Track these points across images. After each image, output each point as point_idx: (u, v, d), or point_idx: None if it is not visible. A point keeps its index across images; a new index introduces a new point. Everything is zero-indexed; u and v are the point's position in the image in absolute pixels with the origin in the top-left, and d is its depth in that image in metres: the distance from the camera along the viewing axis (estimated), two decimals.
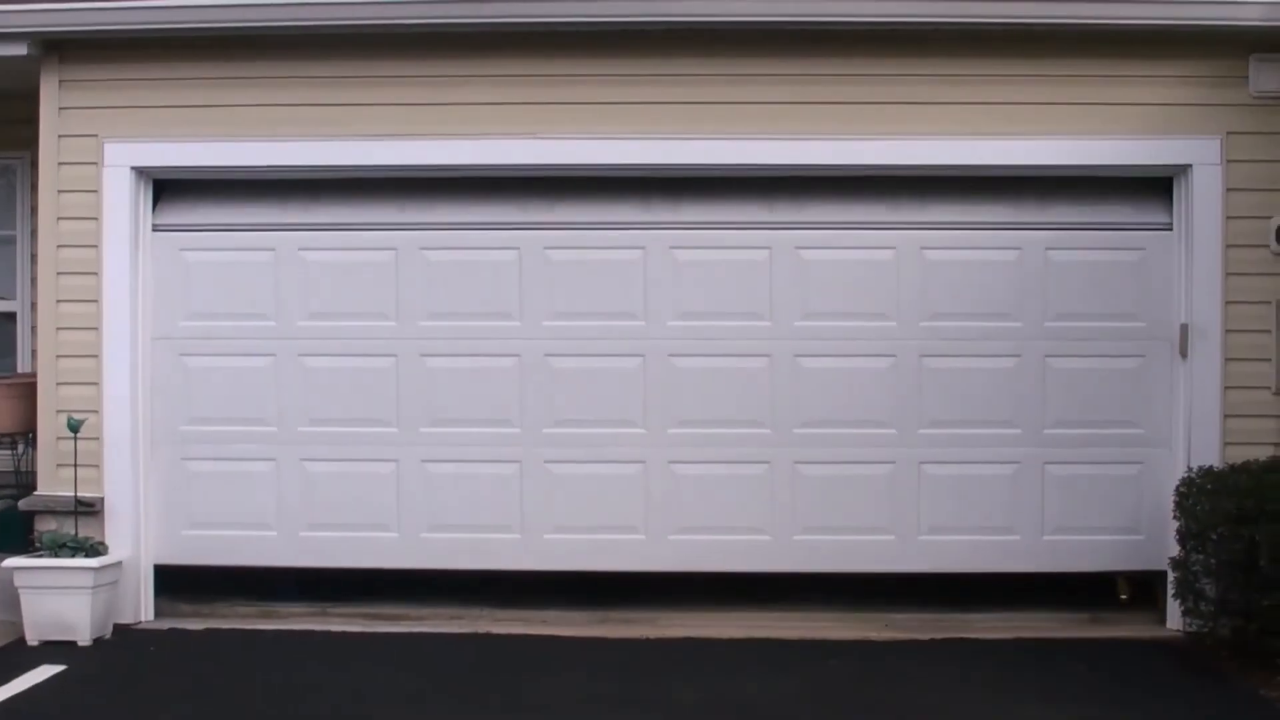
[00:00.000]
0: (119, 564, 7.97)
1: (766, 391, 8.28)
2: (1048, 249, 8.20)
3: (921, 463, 8.25)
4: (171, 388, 8.37)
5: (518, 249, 8.32)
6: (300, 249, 8.38)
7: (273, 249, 8.39)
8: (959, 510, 8.25)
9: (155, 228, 8.35)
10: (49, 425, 8.17)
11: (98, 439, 8.12)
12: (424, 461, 8.37)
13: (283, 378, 8.39)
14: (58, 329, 8.19)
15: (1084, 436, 8.22)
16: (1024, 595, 8.28)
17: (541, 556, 8.35)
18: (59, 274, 8.19)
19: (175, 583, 8.44)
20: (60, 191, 8.19)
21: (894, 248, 8.24)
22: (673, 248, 8.27)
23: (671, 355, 8.31)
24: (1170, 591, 7.80)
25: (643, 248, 8.29)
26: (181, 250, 8.38)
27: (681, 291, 8.28)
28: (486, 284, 8.35)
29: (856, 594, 8.36)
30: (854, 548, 8.27)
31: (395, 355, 8.37)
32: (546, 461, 8.35)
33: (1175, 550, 7.63)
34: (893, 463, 8.27)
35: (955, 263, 8.23)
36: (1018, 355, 8.21)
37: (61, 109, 8.18)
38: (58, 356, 8.19)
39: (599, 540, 8.32)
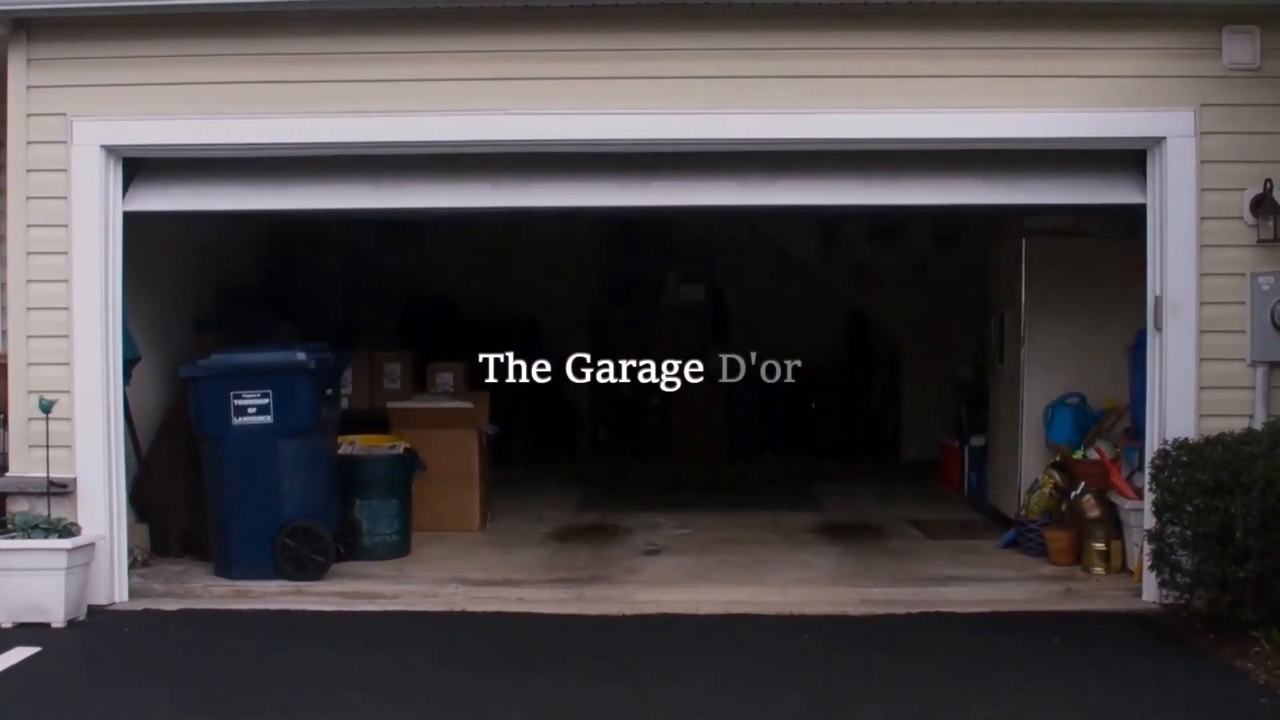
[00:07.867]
0: (92, 545, 7.92)
1: None
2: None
3: None
4: None
5: None
6: None
7: None
8: None
9: (127, 216, 8.20)
10: (20, 406, 8.09)
11: (69, 419, 8.05)
12: None
13: None
14: (28, 309, 8.12)
15: None
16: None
17: None
18: (29, 254, 8.11)
19: None
20: (29, 171, 8.10)
21: None
22: None
23: None
24: (1147, 564, 7.80)
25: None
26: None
27: None
28: None
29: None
30: None
31: None
32: None
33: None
34: None
35: None
36: None
37: (30, 87, 8.08)
38: (28, 337, 8.12)
39: None
